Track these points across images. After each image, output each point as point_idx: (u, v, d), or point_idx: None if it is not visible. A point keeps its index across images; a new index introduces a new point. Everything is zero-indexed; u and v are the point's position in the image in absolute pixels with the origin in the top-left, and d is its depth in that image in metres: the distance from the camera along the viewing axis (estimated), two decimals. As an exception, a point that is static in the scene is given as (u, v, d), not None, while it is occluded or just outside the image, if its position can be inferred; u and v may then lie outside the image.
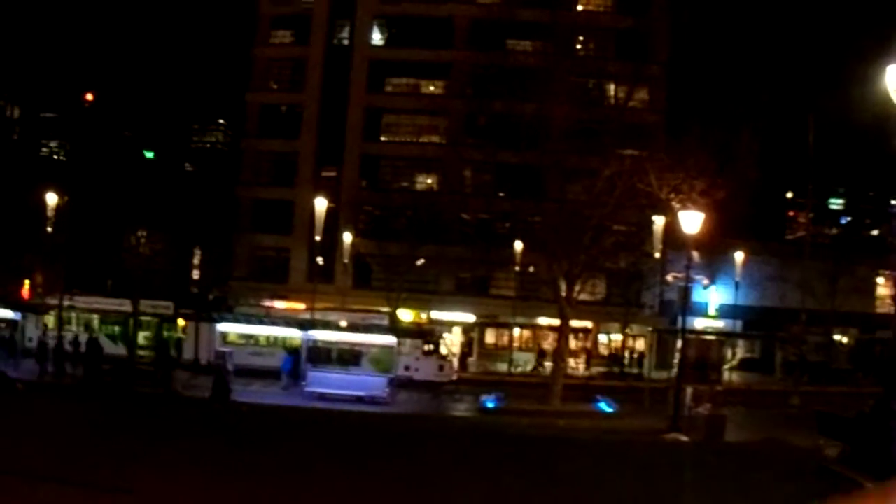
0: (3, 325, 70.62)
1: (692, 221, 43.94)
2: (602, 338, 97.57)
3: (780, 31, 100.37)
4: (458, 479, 23.95)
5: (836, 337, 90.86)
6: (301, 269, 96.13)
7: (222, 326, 73.23)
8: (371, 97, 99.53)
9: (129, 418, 36.18)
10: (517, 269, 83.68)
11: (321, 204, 68.29)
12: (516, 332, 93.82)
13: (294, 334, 68.87)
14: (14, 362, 62.96)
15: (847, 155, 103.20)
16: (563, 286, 58.88)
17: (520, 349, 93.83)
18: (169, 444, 27.59)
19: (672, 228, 53.07)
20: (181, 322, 79.42)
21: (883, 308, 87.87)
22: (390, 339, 63.05)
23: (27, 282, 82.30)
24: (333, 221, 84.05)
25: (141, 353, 70.19)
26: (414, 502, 20.73)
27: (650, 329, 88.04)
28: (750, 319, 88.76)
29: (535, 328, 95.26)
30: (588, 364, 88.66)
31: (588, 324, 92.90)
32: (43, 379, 59.66)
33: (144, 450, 25.51)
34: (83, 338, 66.70)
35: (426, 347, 73.97)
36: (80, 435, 28.40)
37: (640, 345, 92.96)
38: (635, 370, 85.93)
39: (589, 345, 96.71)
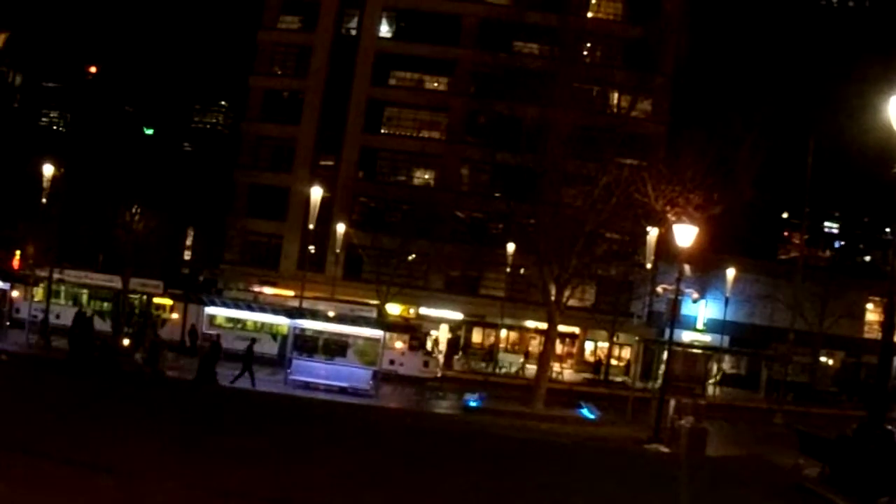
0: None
1: (686, 234, 44.01)
2: (588, 344, 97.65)
3: (785, 55, 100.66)
4: (432, 477, 23.99)
5: (822, 359, 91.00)
6: (292, 256, 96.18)
7: (210, 309, 73.15)
8: (374, 89, 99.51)
9: (112, 395, 36.14)
10: (508, 270, 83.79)
11: (317, 192, 68.19)
12: (503, 332, 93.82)
13: (281, 321, 68.83)
14: (1, 333, 62.84)
15: (844, 180, 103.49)
16: (553, 290, 58.88)
17: (506, 350, 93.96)
18: (151, 424, 27.57)
19: (665, 240, 53.14)
20: (169, 302, 79.39)
21: (871, 333, 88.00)
22: (377, 332, 62.90)
23: (18, 252, 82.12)
24: (328, 211, 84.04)
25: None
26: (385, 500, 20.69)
27: (637, 339, 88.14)
28: (737, 336, 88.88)
29: (523, 330, 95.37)
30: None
31: (575, 329, 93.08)
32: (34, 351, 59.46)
33: (126, 428, 25.50)
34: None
35: (412, 343, 74.09)
36: (60, 409, 28.36)
37: (626, 353, 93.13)
38: (619, 378, 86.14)
39: (575, 350, 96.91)
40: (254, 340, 61.39)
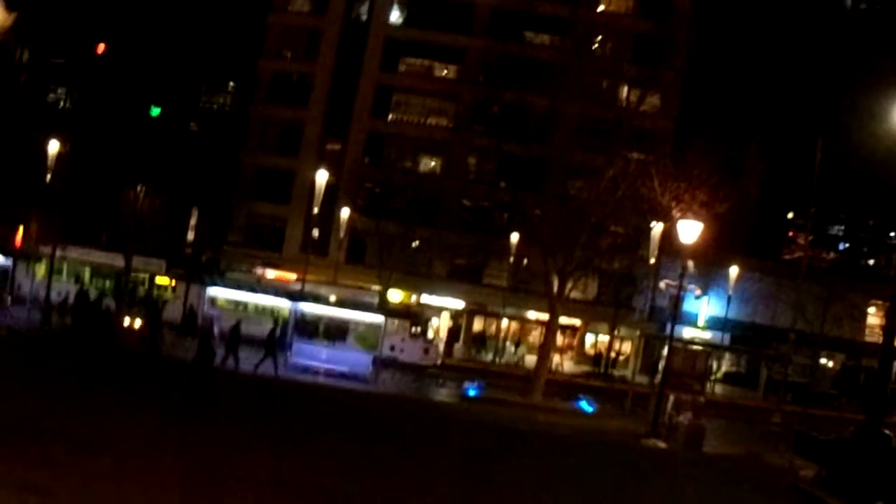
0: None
1: (690, 231, 43.91)
2: (589, 337, 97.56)
3: (796, 56, 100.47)
4: (428, 463, 23.98)
5: (822, 360, 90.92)
6: (296, 239, 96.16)
7: (212, 290, 73.07)
8: (383, 75, 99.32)
9: (112, 375, 36.14)
10: (511, 260, 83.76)
11: (322, 176, 68.15)
12: (504, 322, 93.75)
13: (283, 304, 68.80)
14: (2, 309, 62.88)
15: (851, 182, 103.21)
16: (556, 282, 58.91)
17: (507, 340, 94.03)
18: (149, 404, 27.56)
19: (669, 236, 53.13)
20: (171, 281, 79.37)
21: (872, 337, 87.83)
22: (378, 318, 62.93)
23: (21, 228, 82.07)
24: (333, 195, 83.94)
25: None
26: (378, 487, 20.62)
27: (638, 333, 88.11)
28: (738, 334, 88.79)
29: (524, 321, 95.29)
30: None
31: (576, 321, 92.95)
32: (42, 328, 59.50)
33: (125, 407, 25.48)
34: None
35: (413, 329, 74.02)
36: (59, 386, 28.34)
37: (627, 347, 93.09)
38: (619, 372, 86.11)
39: (575, 342, 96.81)
40: (276, 324, 61.12)
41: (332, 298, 69.07)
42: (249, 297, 73.76)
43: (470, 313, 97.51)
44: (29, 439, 19.04)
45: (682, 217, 46.66)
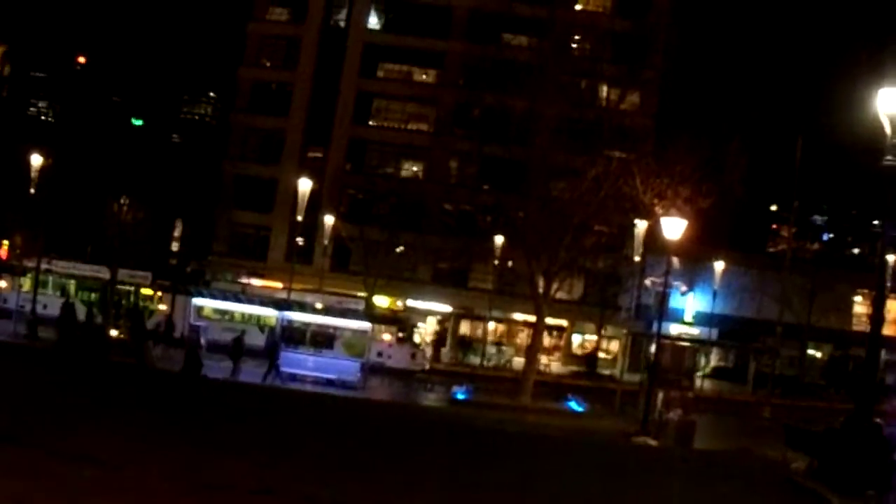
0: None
1: (674, 227, 43.93)
2: (576, 337, 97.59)
3: (775, 47, 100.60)
4: (417, 468, 23.95)
5: (810, 351, 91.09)
6: (280, 248, 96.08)
7: (198, 300, 72.91)
8: (363, 81, 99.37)
9: (99, 386, 36.02)
10: (496, 262, 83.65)
11: (305, 184, 68.07)
12: (491, 325, 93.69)
13: (269, 313, 68.68)
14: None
15: (833, 172, 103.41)
16: (541, 283, 58.95)
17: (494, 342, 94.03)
18: (137, 415, 27.46)
19: (653, 233, 53.11)
20: (157, 293, 79.17)
21: (859, 326, 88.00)
22: (365, 324, 62.90)
23: (6, 242, 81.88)
24: (316, 203, 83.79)
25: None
26: (368, 494, 20.58)
27: (625, 331, 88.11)
28: (725, 329, 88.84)
29: (511, 323, 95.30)
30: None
31: (563, 322, 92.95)
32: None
33: (112, 419, 25.40)
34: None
35: (400, 335, 74.02)
36: (46, 399, 28.23)
37: (614, 346, 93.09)
38: (608, 371, 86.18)
39: (562, 343, 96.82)
40: (274, 334, 60.86)
41: (319, 306, 68.96)
42: (235, 307, 73.64)
43: (456, 317, 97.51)
44: (18, 451, 18.94)
45: (665, 214, 46.72)
